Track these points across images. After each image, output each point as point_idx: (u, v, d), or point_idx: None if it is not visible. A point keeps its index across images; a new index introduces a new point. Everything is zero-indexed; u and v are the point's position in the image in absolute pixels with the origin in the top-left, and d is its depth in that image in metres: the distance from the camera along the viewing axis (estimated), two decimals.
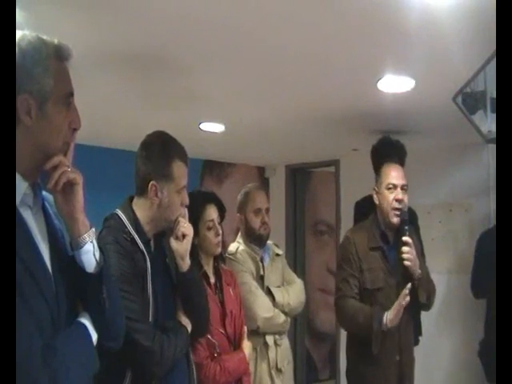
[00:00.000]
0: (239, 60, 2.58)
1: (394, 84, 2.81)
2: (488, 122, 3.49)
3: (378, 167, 2.96)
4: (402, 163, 2.99)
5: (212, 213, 2.50)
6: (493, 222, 4.00)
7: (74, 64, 1.33)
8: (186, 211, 2.04)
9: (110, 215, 1.93)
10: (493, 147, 4.05)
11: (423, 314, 2.87)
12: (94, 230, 1.38)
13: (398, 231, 2.79)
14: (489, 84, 3.44)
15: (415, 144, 4.13)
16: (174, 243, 1.99)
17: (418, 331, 3.50)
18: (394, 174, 2.82)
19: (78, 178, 1.31)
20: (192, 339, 2.29)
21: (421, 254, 2.98)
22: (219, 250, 2.55)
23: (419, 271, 2.70)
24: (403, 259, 2.68)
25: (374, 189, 2.88)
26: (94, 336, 1.33)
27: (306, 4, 1.95)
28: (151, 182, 1.89)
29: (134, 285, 1.79)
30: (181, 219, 2.00)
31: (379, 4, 1.94)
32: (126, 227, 1.88)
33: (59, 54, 1.29)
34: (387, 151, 3.37)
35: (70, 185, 1.30)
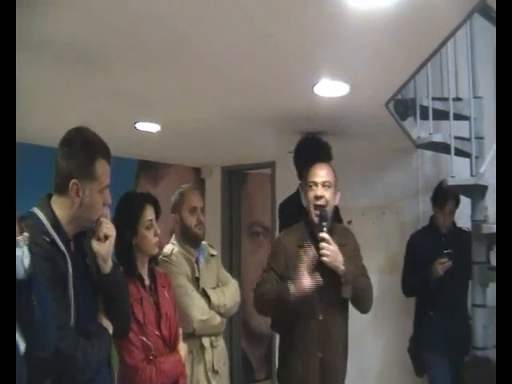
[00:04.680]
0: (176, 60, 2.56)
1: (330, 88, 2.87)
2: (417, 128, 3.60)
3: (303, 169, 2.96)
4: (325, 160, 3.01)
5: (150, 213, 2.47)
6: (421, 223, 4.16)
7: None
8: (108, 211, 1.97)
9: (27, 214, 1.82)
10: (422, 152, 4.21)
11: (356, 315, 2.90)
12: (26, 235, 1.33)
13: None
14: (418, 91, 3.57)
15: (350, 147, 4.24)
16: (95, 244, 1.92)
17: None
18: (314, 172, 2.79)
19: None
20: (123, 342, 2.26)
21: (357, 252, 2.95)
22: (157, 249, 2.53)
23: (342, 267, 2.66)
24: (321, 255, 2.66)
25: (301, 190, 2.89)
26: (22, 345, 1.28)
27: (244, 6, 1.96)
28: (72, 181, 1.82)
29: (55, 289, 1.70)
30: (103, 219, 1.94)
31: (318, 10, 1.98)
32: (46, 228, 1.79)
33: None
34: (310, 151, 3.44)
35: None
